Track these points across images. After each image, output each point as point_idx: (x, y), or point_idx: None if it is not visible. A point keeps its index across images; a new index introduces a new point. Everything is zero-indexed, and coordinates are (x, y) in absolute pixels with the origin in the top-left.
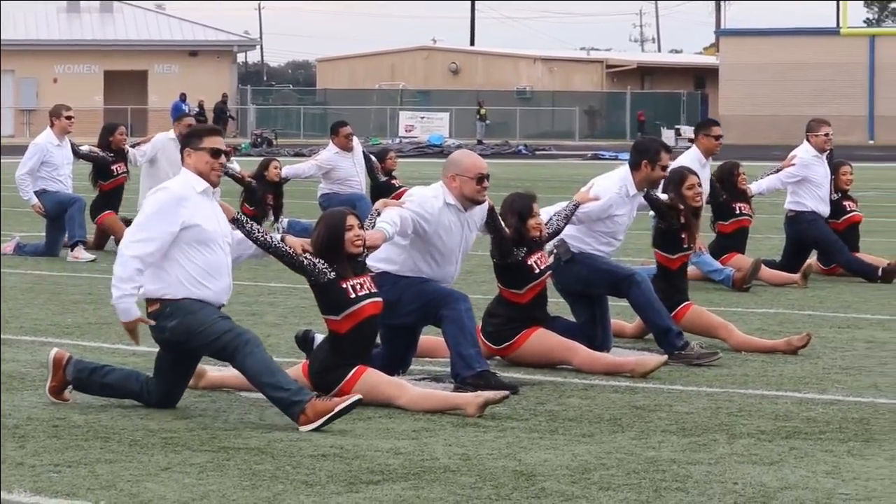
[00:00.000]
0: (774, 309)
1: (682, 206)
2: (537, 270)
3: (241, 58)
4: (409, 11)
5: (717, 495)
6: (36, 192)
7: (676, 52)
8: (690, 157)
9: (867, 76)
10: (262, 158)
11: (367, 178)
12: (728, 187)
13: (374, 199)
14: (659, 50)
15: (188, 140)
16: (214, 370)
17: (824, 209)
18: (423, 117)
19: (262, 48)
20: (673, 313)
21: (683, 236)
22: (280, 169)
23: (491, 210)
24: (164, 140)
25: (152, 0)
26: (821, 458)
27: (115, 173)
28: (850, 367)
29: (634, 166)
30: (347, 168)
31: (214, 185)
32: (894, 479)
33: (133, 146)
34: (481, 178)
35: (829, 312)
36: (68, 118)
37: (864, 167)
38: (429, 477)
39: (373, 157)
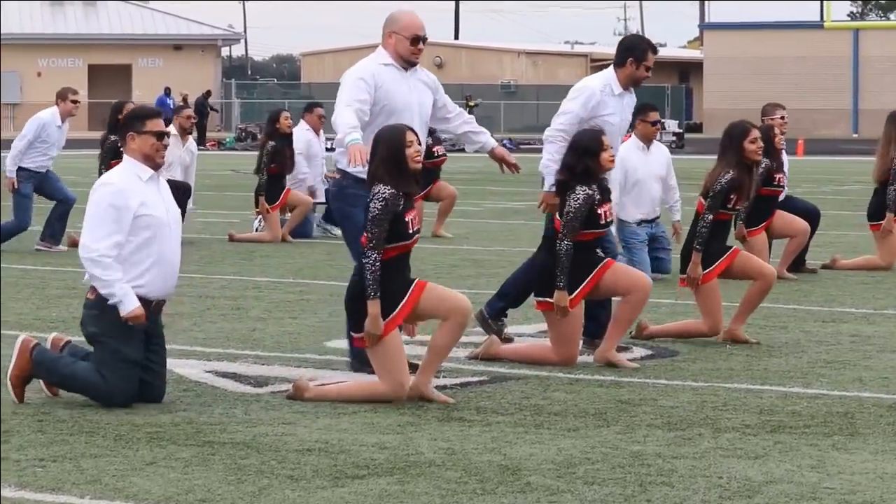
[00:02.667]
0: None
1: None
2: (603, 221)
3: (225, 52)
4: (394, 5)
5: (702, 489)
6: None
7: (660, 45)
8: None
9: (851, 70)
10: (269, 113)
11: None
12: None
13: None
14: None
15: (131, 124)
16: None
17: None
18: None
19: (246, 42)
20: (717, 262)
21: (732, 196)
22: (290, 119)
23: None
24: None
25: None
26: (805, 452)
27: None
28: (835, 361)
29: (620, 64)
30: (315, 146)
31: (158, 167)
32: (878, 472)
33: None
34: (416, 39)
35: (814, 306)
36: (74, 102)
37: (848, 161)
38: (414, 471)
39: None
